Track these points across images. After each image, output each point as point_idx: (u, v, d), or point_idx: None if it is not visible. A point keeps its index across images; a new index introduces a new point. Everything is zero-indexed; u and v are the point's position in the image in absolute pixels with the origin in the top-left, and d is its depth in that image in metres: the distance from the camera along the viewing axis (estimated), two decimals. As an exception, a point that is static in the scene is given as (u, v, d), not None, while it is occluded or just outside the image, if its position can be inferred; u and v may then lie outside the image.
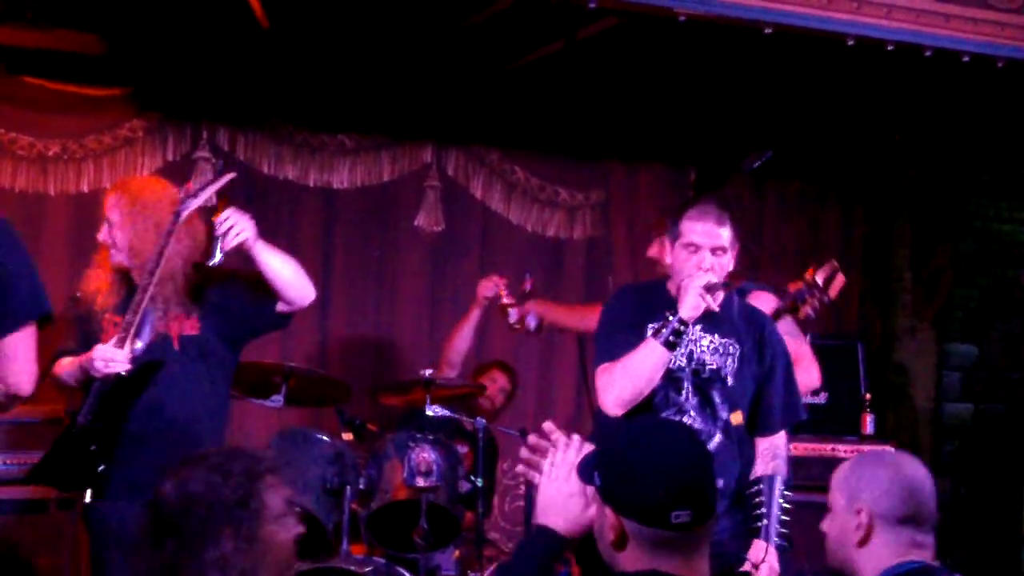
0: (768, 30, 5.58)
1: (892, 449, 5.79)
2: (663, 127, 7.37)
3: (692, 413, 4.19)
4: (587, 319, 5.32)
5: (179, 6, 6.12)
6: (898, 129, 7.33)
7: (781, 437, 4.31)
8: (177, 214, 4.53)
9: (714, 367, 4.21)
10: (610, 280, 7.25)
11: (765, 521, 4.12)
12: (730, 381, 4.21)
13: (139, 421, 4.47)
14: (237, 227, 4.45)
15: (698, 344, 4.23)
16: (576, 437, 2.79)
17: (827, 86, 6.75)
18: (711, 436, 4.18)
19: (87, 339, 4.56)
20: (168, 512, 2.59)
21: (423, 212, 7.38)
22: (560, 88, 6.95)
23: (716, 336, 4.24)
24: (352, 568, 5.36)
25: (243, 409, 6.51)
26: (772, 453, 4.26)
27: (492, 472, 6.10)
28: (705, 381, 4.20)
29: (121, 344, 4.35)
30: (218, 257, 4.44)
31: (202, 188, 4.62)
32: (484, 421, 5.77)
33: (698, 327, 4.22)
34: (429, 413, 5.73)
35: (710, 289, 4.03)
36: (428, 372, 5.82)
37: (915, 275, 7.68)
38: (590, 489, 2.67)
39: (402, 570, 5.58)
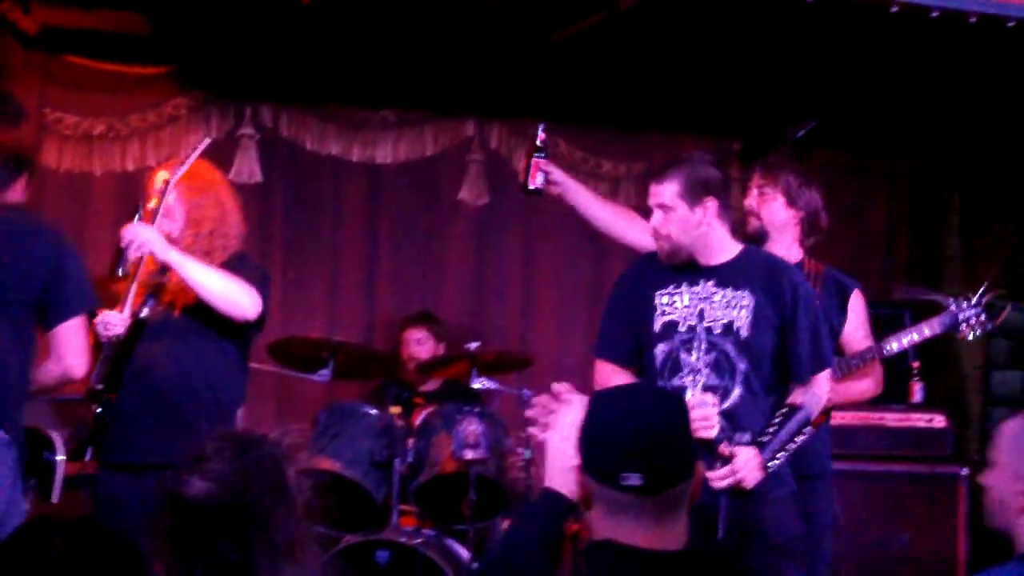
0: (811, -2, 5.55)
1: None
2: (706, 98, 7.32)
3: (705, 371, 4.17)
4: (616, 220, 5.15)
5: (221, -16, 6.15)
6: (943, 96, 7.26)
7: (816, 381, 4.26)
8: (168, 183, 4.59)
9: (726, 321, 4.18)
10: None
11: (767, 438, 4.07)
12: (744, 333, 4.16)
13: (132, 387, 4.58)
14: (138, 240, 4.45)
15: (709, 301, 4.22)
16: (579, 397, 2.74)
17: (871, 54, 6.70)
18: (728, 392, 4.13)
19: None
20: (212, 510, 2.54)
21: (466, 186, 7.39)
22: (602, 59, 6.92)
23: (728, 290, 4.21)
24: (402, 540, 5.40)
25: (291, 383, 6.57)
26: (804, 389, 4.21)
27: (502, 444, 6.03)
28: (718, 336, 4.19)
29: (120, 308, 4.47)
30: (120, 272, 4.46)
31: (187, 157, 4.69)
32: (531, 393, 5.78)
33: (710, 283, 4.23)
34: (476, 386, 5.75)
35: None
36: (474, 345, 5.84)
37: (965, 244, 7.62)
38: None
39: (451, 541, 5.62)
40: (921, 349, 6.88)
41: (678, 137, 7.58)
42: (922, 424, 6.44)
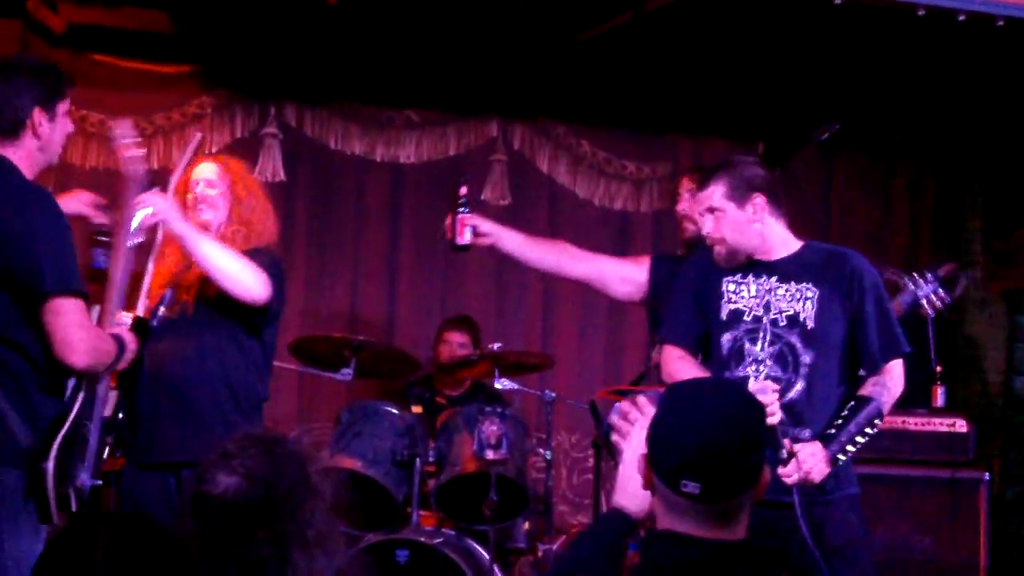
0: (837, 0, 5.53)
1: None
2: (731, 100, 7.32)
3: (768, 362, 4.17)
4: (548, 256, 5.18)
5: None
6: (969, 100, 7.24)
7: (888, 371, 4.21)
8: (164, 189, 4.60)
9: (791, 313, 4.18)
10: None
11: (834, 431, 4.06)
12: (810, 325, 4.16)
13: (150, 386, 4.62)
14: (156, 206, 4.41)
15: (774, 293, 4.22)
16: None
17: (896, 57, 6.68)
18: (791, 384, 4.13)
19: None
20: (243, 505, 2.54)
21: (489, 186, 7.39)
22: (627, 61, 6.92)
23: (792, 283, 4.21)
24: (422, 539, 5.40)
25: (313, 382, 6.58)
26: (875, 381, 4.19)
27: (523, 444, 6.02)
28: (784, 329, 4.18)
29: (133, 305, 4.43)
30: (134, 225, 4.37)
31: (182, 158, 4.76)
32: (553, 394, 5.79)
33: (773, 278, 4.23)
34: (498, 386, 5.76)
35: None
36: (496, 346, 5.84)
37: (986, 247, 7.60)
38: None
39: (472, 542, 5.62)
40: (943, 353, 6.88)
41: (702, 139, 7.59)
42: (944, 428, 6.42)
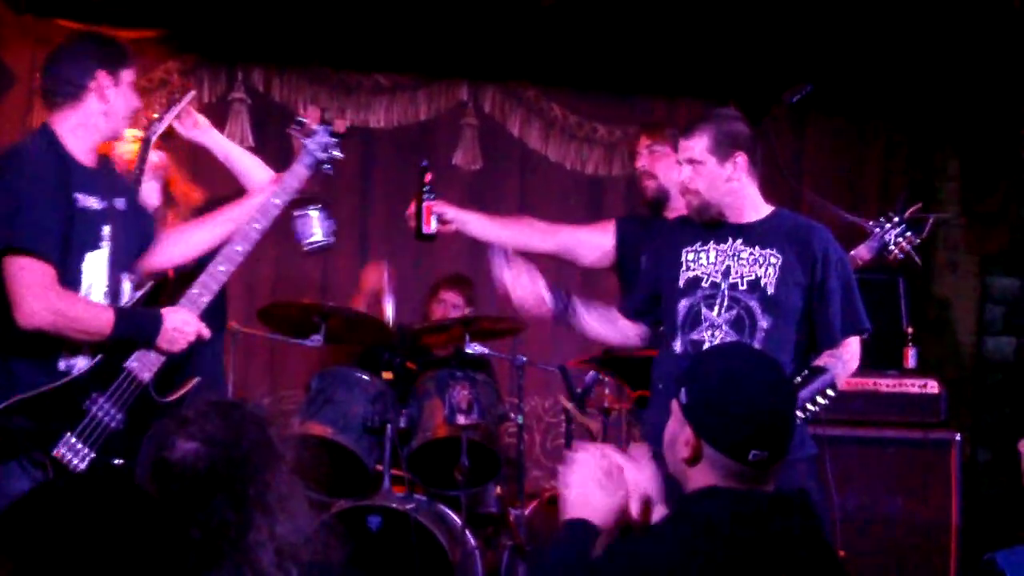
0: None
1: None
2: (702, 61, 7.29)
3: (724, 327, 4.17)
4: (519, 236, 5.19)
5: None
6: (942, 59, 7.21)
7: (846, 345, 4.21)
8: (147, 141, 4.60)
9: (752, 277, 4.18)
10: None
11: None
12: (770, 290, 4.15)
13: None
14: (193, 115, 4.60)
15: (737, 257, 4.22)
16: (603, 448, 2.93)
17: (867, 18, 6.66)
18: None
19: None
20: (202, 469, 2.52)
21: (461, 151, 7.37)
22: (597, 23, 6.88)
23: (757, 248, 4.21)
24: (394, 506, 5.39)
25: (283, 349, 6.55)
26: (831, 353, 4.19)
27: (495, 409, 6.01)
28: (743, 292, 4.18)
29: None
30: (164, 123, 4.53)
31: (166, 111, 4.66)
32: (524, 358, 5.76)
33: (739, 240, 4.23)
34: (469, 351, 5.73)
35: None
36: (467, 311, 5.82)
37: (966, 209, 7.59)
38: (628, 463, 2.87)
39: (443, 507, 5.61)
40: (915, 315, 6.89)
41: (674, 101, 7.56)
42: (916, 390, 6.42)
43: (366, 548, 5.31)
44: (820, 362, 4.16)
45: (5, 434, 3.72)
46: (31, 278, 3.73)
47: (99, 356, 3.86)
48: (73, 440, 3.78)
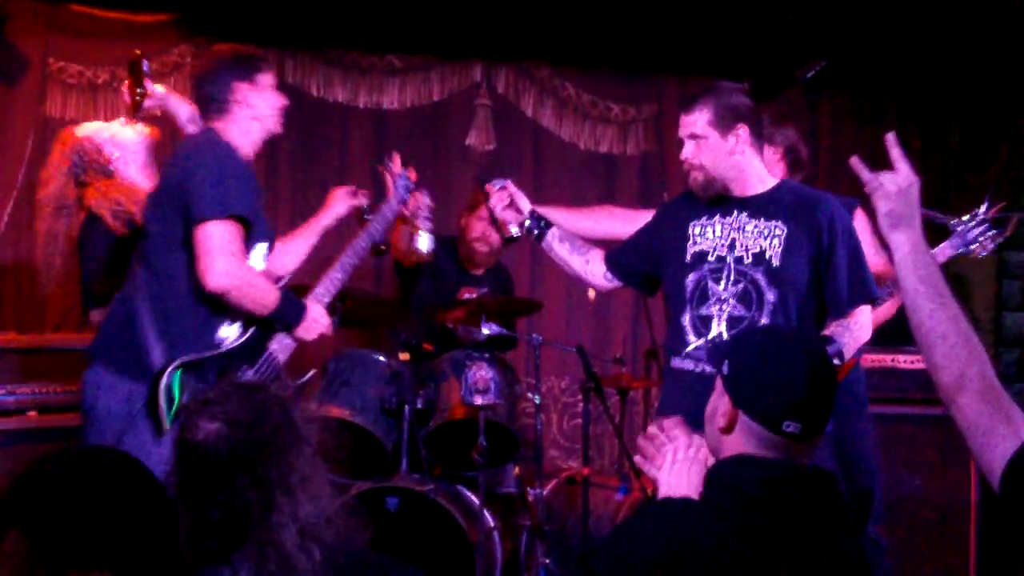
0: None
1: None
2: (716, 39, 7.26)
3: (732, 301, 4.15)
4: (600, 224, 5.18)
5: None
6: (952, 37, 7.18)
7: (855, 315, 4.17)
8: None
9: (757, 250, 4.16)
10: (665, 196, 7.18)
11: None
12: (776, 262, 4.13)
13: None
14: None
15: (742, 231, 4.20)
16: (698, 439, 2.96)
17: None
18: (755, 322, 4.09)
19: None
20: (225, 449, 2.52)
21: (474, 131, 7.35)
22: (610, 1, 6.85)
23: (762, 220, 4.19)
24: (412, 487, 5.39)
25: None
26: (838, 323, 4.16)
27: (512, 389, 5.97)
28: (748, 266, 4.16)
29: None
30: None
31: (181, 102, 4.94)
32: (540, 338, 5.75)
33: (744, 213, 4.21)
34: (485, 331, 5.72)
35: None
36: (484, 290, 5.81)
37: (958, 182, 7.56)
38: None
39: (461, 488, 5.61)
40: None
41: (688, 79, 7.53)
42: (934, 366, 6.40)
43: (385, 529, 5.32)
44: (827, 331, 4.15)
45: (170, 393, 4.01)
46: (232, 244, 4.02)
47: (252, 329, 4.22)
48: None
